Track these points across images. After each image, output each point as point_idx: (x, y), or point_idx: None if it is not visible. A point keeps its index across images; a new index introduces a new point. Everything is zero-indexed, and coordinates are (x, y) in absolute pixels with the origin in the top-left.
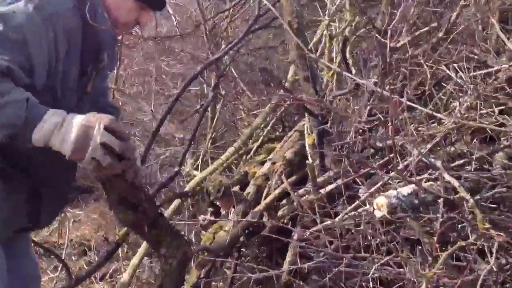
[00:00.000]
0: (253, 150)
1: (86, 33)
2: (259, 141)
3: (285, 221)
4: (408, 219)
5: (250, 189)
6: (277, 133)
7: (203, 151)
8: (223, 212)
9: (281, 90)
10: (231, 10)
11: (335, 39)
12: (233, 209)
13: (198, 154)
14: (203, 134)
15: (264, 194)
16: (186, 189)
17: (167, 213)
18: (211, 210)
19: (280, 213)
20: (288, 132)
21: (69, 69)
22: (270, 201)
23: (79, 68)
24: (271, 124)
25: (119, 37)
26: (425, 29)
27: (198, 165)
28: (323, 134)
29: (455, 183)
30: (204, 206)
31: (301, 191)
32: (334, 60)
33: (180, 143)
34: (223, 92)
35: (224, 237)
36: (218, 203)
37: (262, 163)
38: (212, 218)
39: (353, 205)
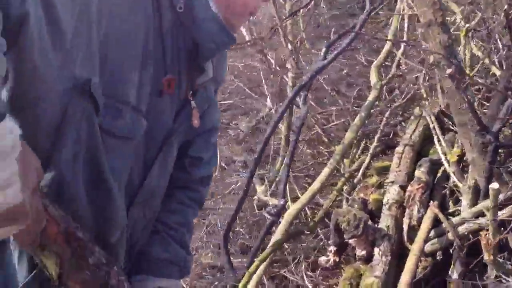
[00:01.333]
0: (360, 171)
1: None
2: (366, 160)
3: (437, 258)
4: None
5: (386, 221)
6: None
7: (272, 174)
8: (359, 252)
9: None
10: (302, 11)
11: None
12: (376, 249)
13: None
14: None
15: (406, 226)
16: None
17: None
18: (335, 249)
19: (428, 247)
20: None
21: (119, 69)
22: (424, 235)
23: (151, 80)
24: (376, 138)
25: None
26: None
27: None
28: (497, 151)
29: None
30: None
31: (455, 219)
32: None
33: (242, 167)
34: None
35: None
36: (352, 241)
37: (378, 186)
38: (337, 259)
39: None
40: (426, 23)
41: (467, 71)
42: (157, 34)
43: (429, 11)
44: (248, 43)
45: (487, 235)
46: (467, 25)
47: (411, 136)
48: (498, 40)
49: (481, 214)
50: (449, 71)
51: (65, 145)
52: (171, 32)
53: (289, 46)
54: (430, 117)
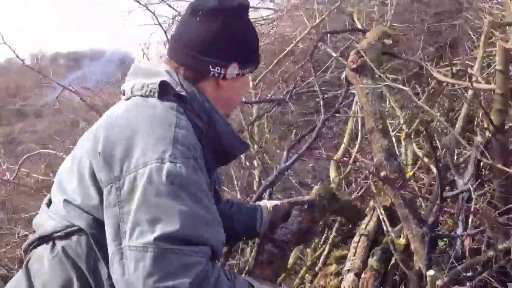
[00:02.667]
0: (321, 260)
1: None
2: (326, 249)
3: None
4: None
5: None
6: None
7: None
8: None
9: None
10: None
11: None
12: None
13: None
14: None
15: None
16: None
17: None
18: None
19: None
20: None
21: None
22: None
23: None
24: (334, 229)
25: None
26: None
27: None
28: (435, 241)
29: None
30: None
31: None
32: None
33: None
34: None
35: None
36: None
37: (337, 274)
38: None
39: None
40: (368, 130)
41: (409, 169)
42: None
43: (371, 119)
44: None
45: None
46: (406, 129)
47: (366, 226)
48: (437, 140)
49: None
50: (382, 173)
51: None
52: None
53: (255, 147)
54: (380, 210)
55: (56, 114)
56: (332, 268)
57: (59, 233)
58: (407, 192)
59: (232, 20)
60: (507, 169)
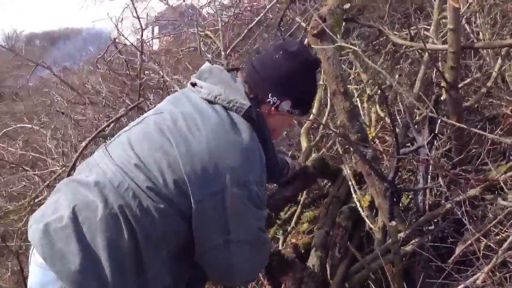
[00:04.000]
0: (293, 220)
1: None
2: (298, 210)
3: None
4: None
5: (313, 261)
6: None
7: None
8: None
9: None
10: None
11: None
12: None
13: None
14: None
15: (328, 266)
16: None
17: None
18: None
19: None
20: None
21: None
22: (343, 271)
23: None
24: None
25: None
26: None
27: None
28: (397, 196)
29: None
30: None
31: (369, 257)
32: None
33: None
34: None
35: None
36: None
37: (309, 232)
38: None
39: None
40: (331, 92)
41: (372, 129)
42: None
43: (333, 82)
44: None
45: (391, 268)
46: (369, 92)
47: (338, 189)
48: (400, 103)
49: (389, 250)
50: (340, 130)
51: None
52: None
53: None
54: (346, 171)
55: (33, 94)
56: (304, 226)
57: (123, 189)
58: (369, 151)
59: (304, 68)
60: (454, 122)
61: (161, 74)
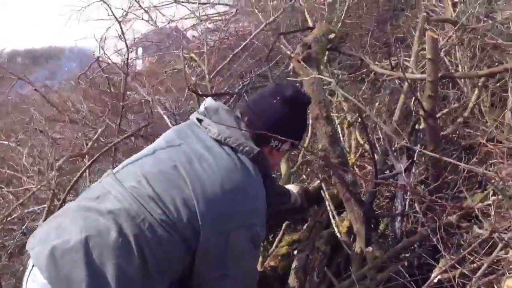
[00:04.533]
0: (275, 243)
1: None
2: (280, 233)
3: None
4: None
5: (293, 283)
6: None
7: None
8: None
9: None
10: None
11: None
12: None
13: None
14: None
15: None
16: None
17: None
18: None
19: None
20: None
21: None
22: None
23: None
24: None
25: None
26: None
27: None
28: (375, 222)
29: None
30: None
31: (345, 282)
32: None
33: None
34: None
35: None
36: None
37: (287, 255)
38: None
39: None
40: (313, 117)
41: (352, 156)
42: None
43: (316, 107)
44: None
45: None
46: (349, 119)
47: (321, 214)
48: (379, 131)
49: (365, 276)
50: (321, 154)
51: None
52: None
53: None
54: (325, 195)
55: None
56: (283, 250)
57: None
58: (349, 175)
59: (300, 111)
60: (429, 153)
61: (144, 95)
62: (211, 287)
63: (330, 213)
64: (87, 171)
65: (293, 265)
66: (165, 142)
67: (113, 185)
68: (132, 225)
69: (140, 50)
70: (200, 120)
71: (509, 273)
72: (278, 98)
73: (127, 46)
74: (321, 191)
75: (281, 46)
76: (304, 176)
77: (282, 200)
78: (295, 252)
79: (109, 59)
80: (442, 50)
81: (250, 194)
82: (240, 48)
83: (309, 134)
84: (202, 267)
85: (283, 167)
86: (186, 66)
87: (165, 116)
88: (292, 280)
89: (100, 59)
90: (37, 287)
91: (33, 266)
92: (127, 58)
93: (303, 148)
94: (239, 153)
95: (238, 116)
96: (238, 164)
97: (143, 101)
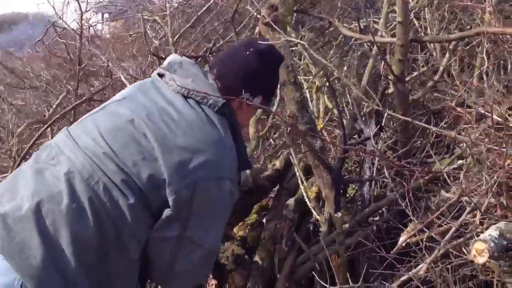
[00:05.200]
0: None
1: None
2: None
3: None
4: None
5: (261, 255)
6: None
7: None
8: (238, 283)
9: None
10: None
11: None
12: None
13: None
14: None
15: (276, 259)
16: None
17: None
18: (215, 283)
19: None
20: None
21: None
22: (290, 264)
23: None
24: None
25: None
26: None
27: None
28: (343, 187)
29: None
30: None
31: (315, 248)
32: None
33: None
34: None
35: None
36: (233, 276)
37: (258, 225)
38: None
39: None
40: (281, 83)
41: (320, 121)
42: None
43: (283, 72)
44: None
45: (336, 258)
46: (318, 83)
47: (289, 181)
48: (348, 95)
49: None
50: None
51: None
52: None
53: None
54: (294, 161)
55: None
56: (253, 217)
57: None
58: (317, 141)
59: (273, 65)
60: (399, 116)
61: (103, 59)
62: (164, 247)
63: (298, 178)
64: (49, 136)
65: (262, 235)
66: (122, 97)
67: (66, 143)
68: (86, 188)
69: (105, 15)
70: (161, 76)
71: (477, 236)
72: (251, 49)
73: (80, 7)
74: (290, 157)
75: (247, 7)
76: (271, 140)
77: (249, 165)
78: (264, 220)
79: (65, 22)
80: (412, 12)
81: (217, 145)
82: (203, 10)
83: (277, 99)
84: (161, 225)
85: (251, 130)
86: (149, 29)
87: (125, 81)
88: (260, 251)
89: (56, 23)
90: None
91: None
92: (81, 19)
93: (271, 112)
94: (203, 106)
95: (205, 70)
96: (203, 117)
97: (105, 66)
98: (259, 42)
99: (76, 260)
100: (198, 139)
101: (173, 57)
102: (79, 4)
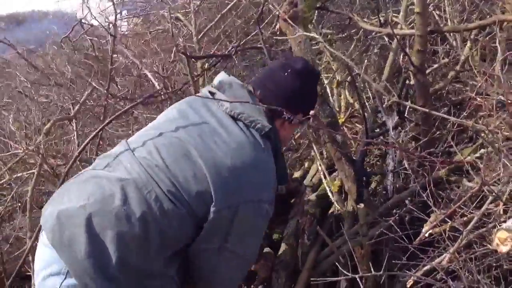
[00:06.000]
0: None
1: None
2: None
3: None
4: None
5: (284, 249)
6: None
7: None
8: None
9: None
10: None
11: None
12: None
13: None
14: None
15: (299, 253)
16: None
17: None
18: None
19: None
20: None
21: None
22: (313, 257)
23: None
24: None
25: None
26: None
27: None
28: (366, 179)
29: None
30: None
31: (338, 241)
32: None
33: None
34: None
35: None
36: (254, 267)
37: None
38: None
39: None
40: None
41: (342, 115)
42: None
43: None
44: (162, 97)
45: (360, 250)
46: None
47: (311, 179)
48: (368, 90)
49: (357, 233)
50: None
51: None
52: None
53: None
54: (317, 156)
55: None
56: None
57: (146, 191)
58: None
59: (310, 83)
60: (418, 107)
61: (131, 58)
62: (206, 257)
63: (321, 172)
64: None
65: (285, 232)
66: (177, 114)
67: (124, 153)
68: (138, 195)
69: (124, 13)
70: (212, 93)
71: (499, 226)
72: (289, 70)
73: (114, 6)
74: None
75: (270, 6)
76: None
77: (286, 181)
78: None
79: (96, 19)
80: (431, 4)
81: (260, 169)
82: (227, 8)
83: None
84: (204, 235)
85: None
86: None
87: (152, 79)
88: (283, 246)
89: (83, 21)
90: (40, 248)
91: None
92: (115, 19)
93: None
94: (251, 129)
95: (250, 91)
96: (251, 139)
97: (129, 64)
98: (293, 59)
99: (117, 258)
100: (244, 162)
101: (222, 76)
102: (113, 3)
